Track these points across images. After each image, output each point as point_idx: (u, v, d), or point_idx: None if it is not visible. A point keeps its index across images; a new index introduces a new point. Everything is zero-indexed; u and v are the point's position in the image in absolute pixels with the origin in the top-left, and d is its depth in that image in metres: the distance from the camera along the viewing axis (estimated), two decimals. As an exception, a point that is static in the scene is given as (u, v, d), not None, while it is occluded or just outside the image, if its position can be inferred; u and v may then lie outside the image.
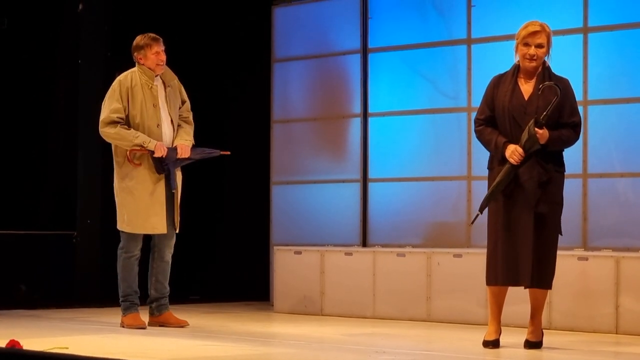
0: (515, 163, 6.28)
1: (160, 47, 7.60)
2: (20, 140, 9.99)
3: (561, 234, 6.47)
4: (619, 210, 8.29)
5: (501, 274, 6.35)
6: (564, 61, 8.54)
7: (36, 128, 10.08)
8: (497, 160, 6.40)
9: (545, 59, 6.46)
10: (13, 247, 9.52)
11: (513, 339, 6.60)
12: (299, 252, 9.14)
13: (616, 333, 7.48)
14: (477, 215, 6.44)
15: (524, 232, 6.29)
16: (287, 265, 9.16)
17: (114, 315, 8.28)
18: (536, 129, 6.24)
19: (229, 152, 8.01)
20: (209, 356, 6.03)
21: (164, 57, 7.61)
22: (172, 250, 7.71)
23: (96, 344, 6.52)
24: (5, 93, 9.94)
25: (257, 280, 10.29)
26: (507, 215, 6.34)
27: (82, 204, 9.84)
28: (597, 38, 8.45)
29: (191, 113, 7.81)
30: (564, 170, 6.49)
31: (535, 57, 6.35)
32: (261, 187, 10.25)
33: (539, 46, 6.35)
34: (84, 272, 9.80)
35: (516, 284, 6.37)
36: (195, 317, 7.84)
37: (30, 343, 6.05)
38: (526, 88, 6.39)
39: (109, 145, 10.18)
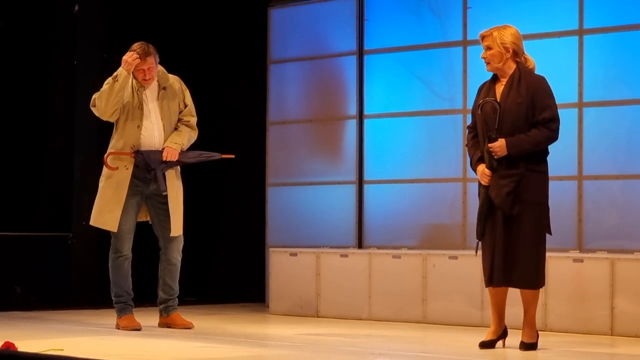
0: (486, 184, 6.39)
1: (145, 65, 7.48)
2: (16, 141, 9.99)
3: (550, 233, 6.46)
4: (614, 212, 8.30)
5: (486, 276, 6.46)
6: (559, 63, 8.57)
7: (32, 129, 10.07)
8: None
9: (531, 58, 6.58)
10: (9, 249, 9.52)
11: (510, 340, 6.60)
12: (295, 254, 9.14)
13: (611, 335, 7.48)
14: (478, 243, 6.51)
15: (496, 236, 6.37)
16: (283, 267, 9.16)
17: (110, 317, 8.27)
18: (489, 145, 6.33)
19: (232, 156, 7.98)
20: (204, 358, 6.03)
21: (148, 74, 7.51)
22: (179, 253, 7.72)
23: (92, 346, 6.52)
24: (1, 94, 9.93)
25: (253, 282, 10.29)
26: (489, 223, 6.42)
27: (78, 206, 9.83)
28: (592, 40, 8.46)
29: (194, 117, 7.78)
30: (543, 169, 6.44)
31: (486, 60, 6.50)
32: (257, 189, 10.25)
33: (487, 48, 6.49)
34: (79, 274, 9.79)
35: (490, 284, 6.44)
36: (190, 318, 7.84)
37: (26, 345, 6.04)
38: (499, 91, 6.47)
39: (105, 146, 10.19)
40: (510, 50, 6.47)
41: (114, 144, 7.57)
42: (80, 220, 9.82)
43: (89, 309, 9.23)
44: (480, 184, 6.50)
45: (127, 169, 7.51)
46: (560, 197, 8.43)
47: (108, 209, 7.51)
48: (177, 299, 7.77)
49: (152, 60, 7.52)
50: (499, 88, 6.48)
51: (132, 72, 7.52)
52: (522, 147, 6.34)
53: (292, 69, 10.06)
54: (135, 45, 7.54)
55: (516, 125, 6.36)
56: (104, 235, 9.92)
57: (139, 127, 7.53)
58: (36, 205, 10.11)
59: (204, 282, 10.70)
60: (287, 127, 10.04)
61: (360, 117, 9.63)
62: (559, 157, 8.43)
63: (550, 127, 6.39)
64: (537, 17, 8.68)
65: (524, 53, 6.56)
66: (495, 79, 6.55)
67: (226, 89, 10.72)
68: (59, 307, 9.31)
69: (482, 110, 6.45)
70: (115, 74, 7.46)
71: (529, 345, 6.43)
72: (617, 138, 8.34)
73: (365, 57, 9.64)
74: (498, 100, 6.42)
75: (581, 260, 7.70)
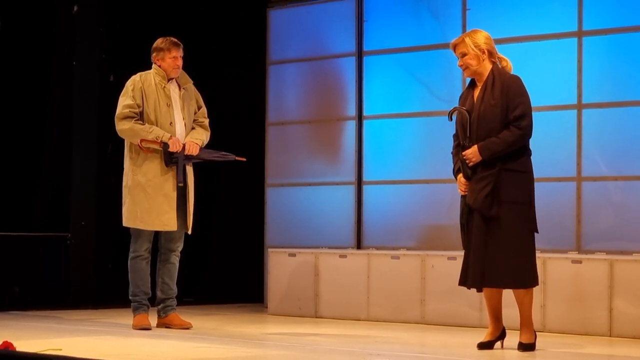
0: (463, 193, 6.46)
1: (179, 53, 7.69)
2: (15, 142, 9.98)
3: (536, 231, 6.46)
4: (612, 214, 8.30)
5: (461, 276, 6.50)
6: (558, 65, 8.58)
7: (31, 130, 10.06)
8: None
9: (506, 57, 6.59)
10: (7, 249, 9.51)
11: (508, 341, 6.60)
12: (294, 254, 9.14)
13: (610, 336, 7.49)
14: (465, 253, 6.54)
15: (474, 237, 6.40)
16: (282, 267, 9.16)
17: (108, 317, 8.29)
18: (463, 153, 6.38)
19: (244, 159, 8.06)
20: (202, 358, 6.03)
21: (180, 62, 7.70)
22: (178, 252, 7.76)
23: (90, 346, 6.52)
24: (0, 95, 9.92)
25: (252, 282, 10.29)
26: (468, 229, 6.46)
27: (77, 206, 9.83)
28: (591, 42, 8.46)
29: (207, 119, 7.89)
30: (522, 168, 6.42)
31: (464, 67, 6.52)
32: (256, 189, 10.25)
33: (463, 55, 6.51)
34: (78, 274, 9.79)
35: (464, 285, 6.48)
36: (189, 319, 7.84)
37: (24, 345, 6.04)
38: (477, 94, 6.50)
39: (104, 146, 10.20)
40: (485, 51, 6.50)
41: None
42: (79, 220, 9.81)
43: (87, 309, 9.23)
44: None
45: (162, 165, 7.57)
46: (559, 198, 8.44)
47: (164, 210, 7.55)
48: (175, 299, 7.78)
49: (182, 51, 7.71)
50: (476, 93, 6.50)
51: (160, 64, 7.65)
52: (493, 150, 6.35)
53: (291, 70, 10.07)
54: (161, 39, 7.70)
55: (492, 127, 6.37)
56: (102, 236, 9.95)
57: (172, 123, 7.62)
58: (35, 206, 10.10)
59: (203, 282, 10.70)
60: (286, 128, 10.05)
61: (360, 118, 9.63)
62: (558, 158, 8.46)
63: (519, 125, 6.36)
64: (536, 18, 8.69)
65: (497, 53, 6.57)
66: (473, 84, 6.57)
67: (225, 89, 10.71)
68: (58, 307, 9.31)
69: (456, 119, 6.49)
70: (157, 135, 7.50)
71: (526, 346, 6.43)
72: (616, 139, 8.34)
73: (365, 58, 9.64)
74: (474, 104, 6.44)
75: (580, 262, 7.70)
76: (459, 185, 6.46)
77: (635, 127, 8.25)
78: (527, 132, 6.39)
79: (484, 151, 6.35)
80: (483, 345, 6.49)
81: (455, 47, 6.56)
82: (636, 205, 8.19)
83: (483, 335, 6.59)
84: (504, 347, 6.55)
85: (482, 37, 6.53)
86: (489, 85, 6.44)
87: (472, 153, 6.38)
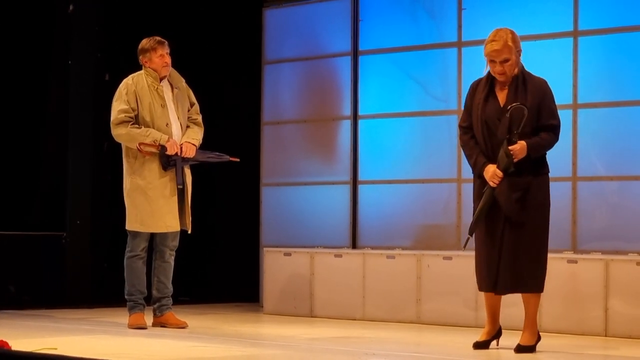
0: (495, 186, 6.34)
1: (164, 50, 7.68)
2: (11, 141, 9.97)
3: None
4: (608, 214, 8.31)
5: (484, 281, 6.43)
6: (554, 65, 8.58)
7: (27, 129, 10.06)
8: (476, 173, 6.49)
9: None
10: (3, 248, 9.50)
11: (505, 341, 6.60)
12: (289, 254, 9.14)
13: (605, 336, 7.49)
14: (468, 238, 6.50)
15: (499, 240, 6.34)
16: (277, 267, 9.16)
17: (104, 316, 8.28)
18: (510, 148, 6.28)
19: (238, 159, 8.07)
20: (197, 357, 6.03)
21: (168, 59, 7.69)
22: (174, 251, 7.75)
23: (85, 345, 6.51)
24: (-5, 94, 9.93)
25: (247, 282, 10.28)
26: (486, 225, 6.38)
27: (72, 205, 9.82)
28: (587, 42, 8.47)
29: (200, 115, 7.90)
30: (547, 172, 6.48)
31: (504, 72, 6.37)
32: (251, 189, 10.25)
33: (505, 61, 6.36)
34: (73, 273, 9.78)
35: (494, 290, 6.41)
36: (184, 318, 7.84)
37: (19, 344, 6.04)
38: (501, 95, 6.41)
39: (100, 145, 10.20)
40: (521, 52, 6.44)
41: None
42: (74, 220, 9.81)
43: (83, 308, 9.23)
44: (478, 183, 6.43)
45: (165, 170, 7.57)
46: (554, 198, 8.39)
47: (165, 212, 7.57)
48: (171, 298, 7.77)
49: (168, 47, 7.71)
50: (502, 91, 6.39)
51: (149, 65, 7.64)
52: (539, 151, 6.37)
53: (286, 70, 10.07)
54: (146, 40, 7.69)
55: (524, 132, 6.32)
56: (97, 235, 9.95)
57: (168, 125, 7.61)
58: (30, 205, 10.10)
59: (198, 282, 10.69)
60: (282, 127, 10.05)
61: (355, 117, 9.63)
62: (554, 158, 8.40)
63: (556, 133, 6.41)
64: (531, 18, 8.69)
65: None
66: (491, 83, 6.43)
67: (221, 89, 10.71)
68: (53, 306, 9.30)
69: (475, 113, 6.41)
70: (155, 138, 7.49)
71: (523, 348, 6.38)
72: (611, 139, 8.35)
73: (360, 58, 9.65)
74: (502, 104, 6.35)
75: (575, 262, 7.71)
76: (493, 177, 6.29)
77: (631, 127, 8.26)
78: (558, 140, 6.46)
79: (532, 149, 6.31)
80: (479, 345, 6.49)
81: (495, 52, 6.31)
82: (631, 205, 8.20)
83: (479, 335, 6.59)
84: (499, 346, 6.55)
85: (518, 38, 6.40)
86: (520, 87, 6.35)
87: (521, 149, 6.29)
